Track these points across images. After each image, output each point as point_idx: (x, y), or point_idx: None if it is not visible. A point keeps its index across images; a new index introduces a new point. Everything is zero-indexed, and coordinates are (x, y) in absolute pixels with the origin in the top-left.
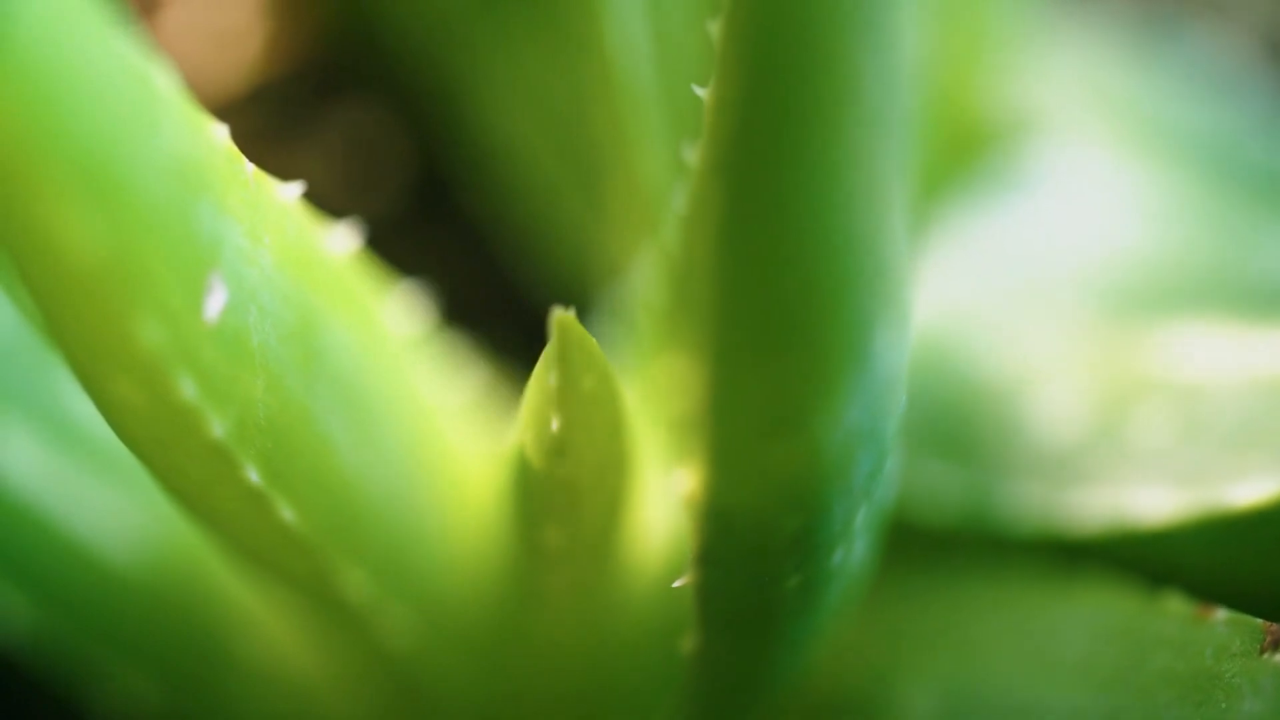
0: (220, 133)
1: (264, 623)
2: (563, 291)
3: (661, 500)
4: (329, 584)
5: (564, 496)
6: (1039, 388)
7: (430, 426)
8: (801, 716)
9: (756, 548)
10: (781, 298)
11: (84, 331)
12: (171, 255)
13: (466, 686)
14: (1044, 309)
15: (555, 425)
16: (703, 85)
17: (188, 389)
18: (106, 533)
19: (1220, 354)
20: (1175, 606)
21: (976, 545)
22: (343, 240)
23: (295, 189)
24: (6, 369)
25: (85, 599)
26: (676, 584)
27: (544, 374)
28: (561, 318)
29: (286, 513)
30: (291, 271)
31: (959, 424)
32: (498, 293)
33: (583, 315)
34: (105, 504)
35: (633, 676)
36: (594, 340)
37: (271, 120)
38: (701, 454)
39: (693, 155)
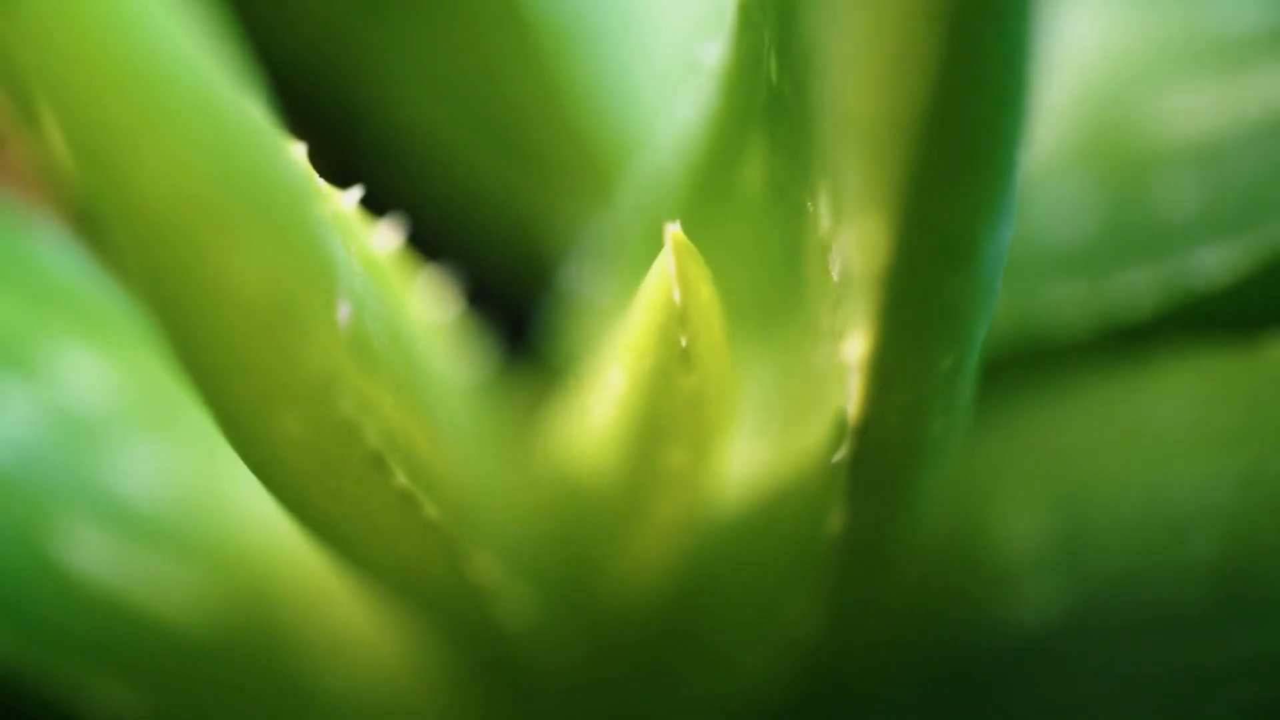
0: (299, 149)
1: (353, 648)
2: (511, 260)
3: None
4: (460, 573)
5: (690, 412)
6: (1050, 185)
7: (479, 404)
8: (910, 568)
9: (913, 400)
10: (973, 128)
11: (253, 368)
12: (313, 275)
13: (582, 651)
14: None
15: (684, 340)
16: None
17: (346, 405)
18: (180, 604)
19: (1221, 106)
20: (1277, 351)
21: (1034, 358)
22: (388, 237)
23: (354, 194)
24: (57, 465)
25: (177, 674)
26: (835, 458)
27: (663, 293)
28: (675, 234)
29: (430, 509)
30: (373, 273)
31: None
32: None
33: (549, 274)
34: (173, 577)
35: (754, 590)
36: (699, 253)
37: None
38: (876, 312)
39: (717, 53)
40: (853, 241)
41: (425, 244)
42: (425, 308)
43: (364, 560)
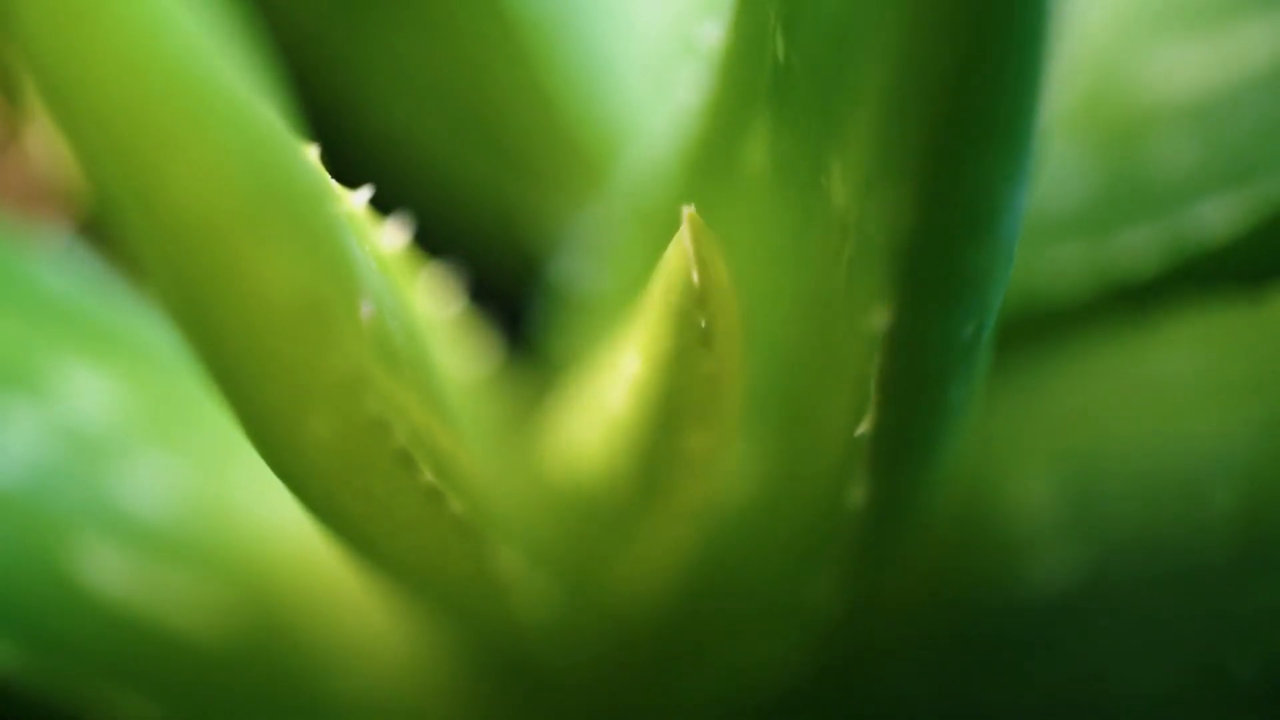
0: (313, 151)
1: (367, 654)
2: (504, 255)
3: None
4: (483, 568)
5: (709, 394)
6: (1048, 148)
7: (486, 398)
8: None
9: (934, 370)
10: (995, 94)
11: (283, 370)
12: (338, 275)
13: (603, 640)
14: None
15: (703, 322)
16: None
17: (373, 403)
18: (193, 615)
19: (1214, 62)
20: None
21: (1040, 321)
22: (394, 236)
23: (364, 194)
24: (66, 482)
25: (192, 685)
26: (857, 432)
27: (681, 275)
28: (691, 215)
29: (455, 504)
30: (387, 273)
31: None
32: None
33: (543, 267)
34: (185, 588)
35: (775, 568)
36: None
37: None
38: (898, 283)
39: (713, 34)
40: (874, 213)
41: (419, 243)
42: (430, 305)
43: (389, 559)
